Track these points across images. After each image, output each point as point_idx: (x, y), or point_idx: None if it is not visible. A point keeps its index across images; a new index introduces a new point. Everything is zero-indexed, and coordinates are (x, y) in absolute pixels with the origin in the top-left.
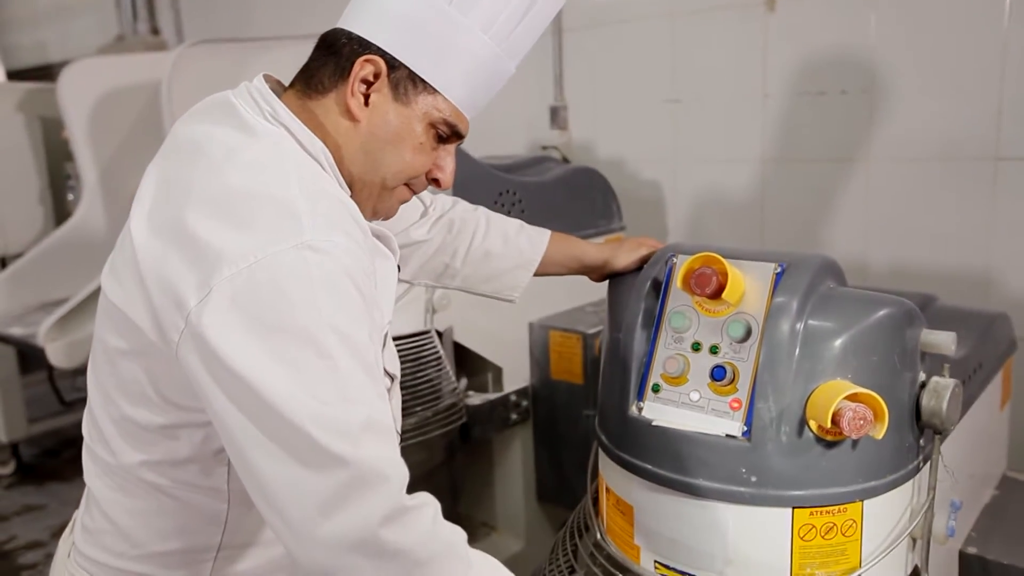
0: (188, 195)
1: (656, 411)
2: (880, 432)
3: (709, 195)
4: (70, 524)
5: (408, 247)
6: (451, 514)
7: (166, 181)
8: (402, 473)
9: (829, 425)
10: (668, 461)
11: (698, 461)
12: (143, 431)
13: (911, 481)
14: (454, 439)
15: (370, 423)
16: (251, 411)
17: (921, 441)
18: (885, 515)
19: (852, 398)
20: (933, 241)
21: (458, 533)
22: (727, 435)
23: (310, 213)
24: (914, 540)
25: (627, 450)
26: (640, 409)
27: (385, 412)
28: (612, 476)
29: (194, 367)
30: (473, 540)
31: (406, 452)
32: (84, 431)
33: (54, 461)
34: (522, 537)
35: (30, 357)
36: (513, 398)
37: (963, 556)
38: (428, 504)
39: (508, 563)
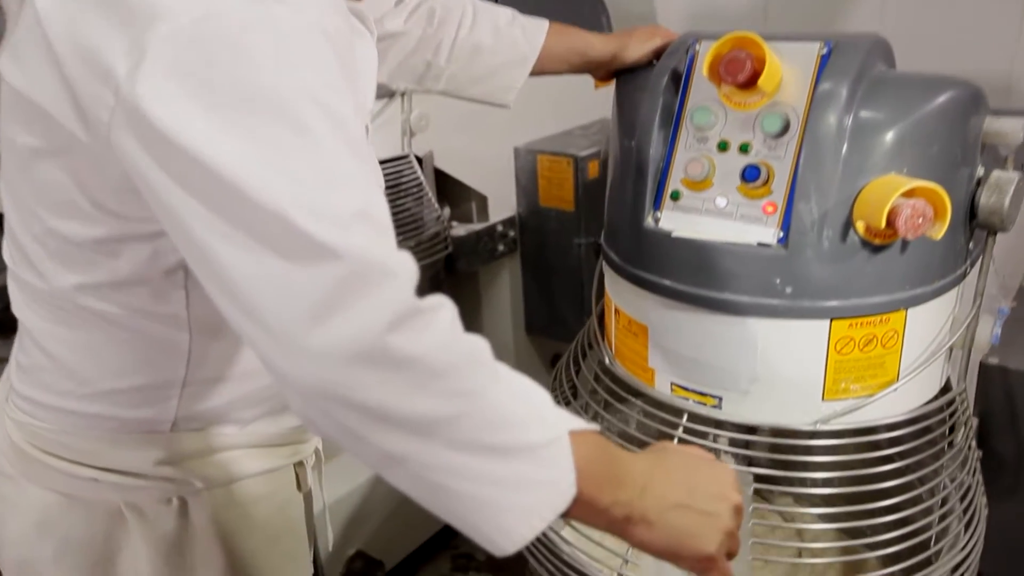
0: None
1: (676, 221)
2: (939, 232)
3: (706, 11)
4: (6, 369)
5: (383, 41)
6: None
7: None
8: (411, 270)
9: (883, 225)
10: (690, 276)
11: (725, 274)
12: (75, 248)
13: (957, 287)
14: (439, 271)
15: (364, 213)
16: (211, 198)
17: (971, 244)
18: (928, 324)
19: (909, 194)
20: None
21: (480, 340)
22: (759, 243)
23: None
24: (950, 351)
25: (642, 266)
26: (657, 220)
27: (382, 205)
28: (623, 296)
29: (133, 153)
30: None
31: None
32: (5, 255)
33: None
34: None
35: None
36: (500, 228)
37: (983, 367)
38: (444, 306)
39: None
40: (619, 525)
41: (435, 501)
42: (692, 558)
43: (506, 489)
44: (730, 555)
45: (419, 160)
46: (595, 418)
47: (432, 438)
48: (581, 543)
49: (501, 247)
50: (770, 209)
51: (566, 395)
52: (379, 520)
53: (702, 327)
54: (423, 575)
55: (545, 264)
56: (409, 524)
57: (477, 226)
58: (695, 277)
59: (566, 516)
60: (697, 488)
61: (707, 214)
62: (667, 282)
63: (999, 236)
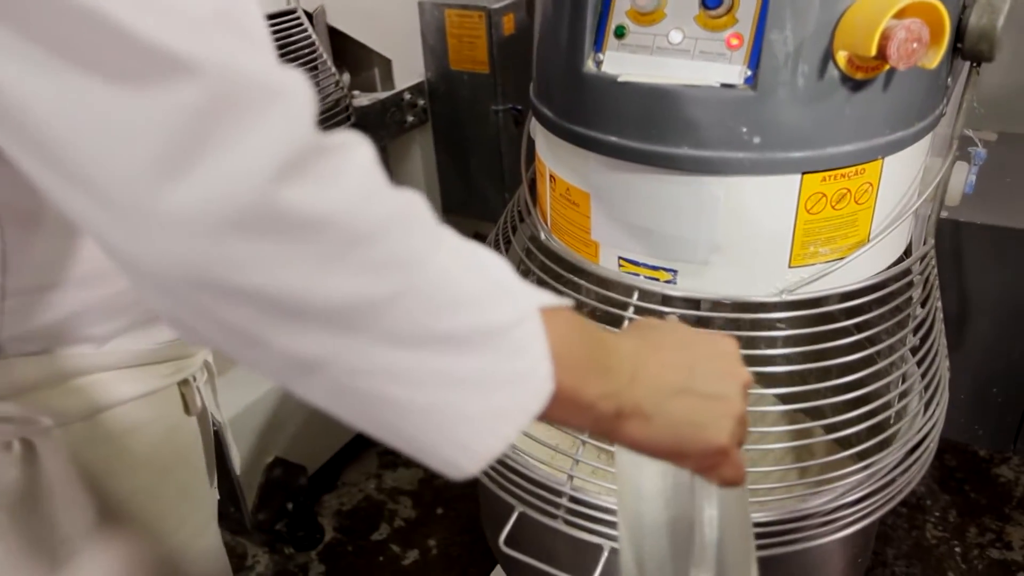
0: None
1: (622, 63)
2: (935, 58)
3: None
4: None
5: None
6: None
7: None
8: (305, 91)
9: (872, 53)
10: (640, 129)
11: (682, 125)
12: None
13: (932, 132)
14: None
15: (226, 14)
16: (6, 8)
17: (949, 79)
18: (902, 175)
19: (901, 14)
20: None
21: (413, 194)
22: (723, 84)
23: None
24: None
25: (582, 121)
26: (599, 63)
27: (254, 13)
28: (560, 159)
29: None
30: None
31: None
32: None
33: None
34: None
35: None
36: (407, 96)
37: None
38: (358, 143)
39: None
40: (608, 423)
41: (369, 417)
42: (700, 454)
43: (463, 390)
44: (740, 444)
45: (309, 16)
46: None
47: (357, 331)
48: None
49: (410, 118)
50: (735, 42)
51: None
52: (296, 425)
53: (655, 190)
54: (349, 475)
55: (459, 135)
56: (330, 425)
57: (382, 95)
58: (646, 131)
59: (543, 418)
60: (698, 367)
61: (659, 52)
62: (612, 138)
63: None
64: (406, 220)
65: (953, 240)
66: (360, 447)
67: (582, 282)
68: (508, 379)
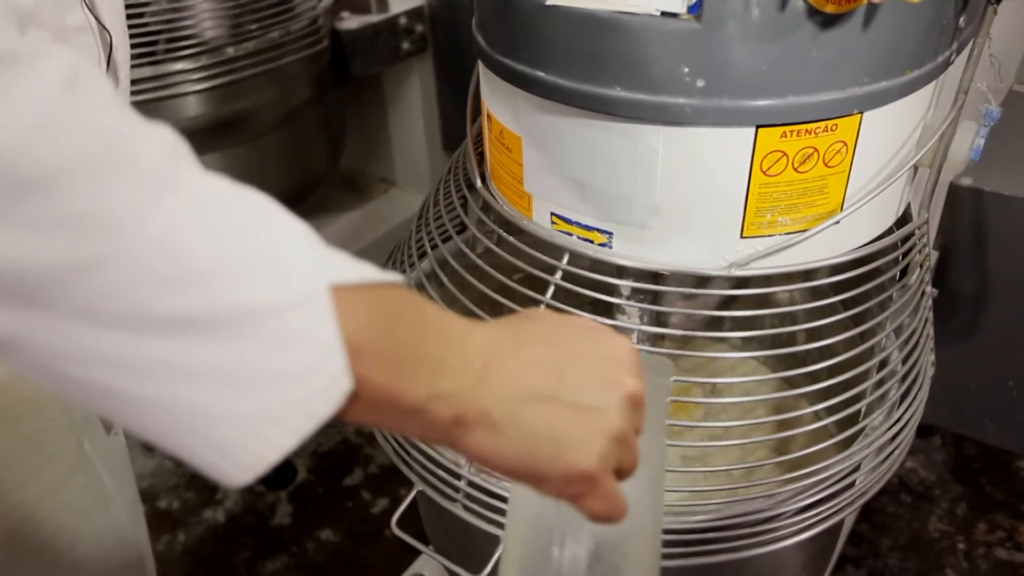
0: None
1: None
2: None
3: None
4: None
5: None
6: (331, 169)
7: None
8: None
9: None
10: (569, 65)
11: (615, 61)
12: None
13: (935, 82)
14: (324, 72)
15: None
16: None
17: (961, 20)
18: (887, 134)
19: None
20: None
21: (144, 129)
22: (663, 12)
23: None
24: (915, 170)
25: (510, 53)
26: None
27: None
28: (495, 96)
29: None
30: (369, 198)
31: (247, 86)
32: None
33: None
34: (427, 193)
35: None
36: (404, 21)
37: (952, 190)
38: (51, 55)
39: (411, 223)
40: (444, 431)
41: (97, 406)
42: (561, 478)
43: (210, 386)
44: (622, 473)
45: None
46: (485, 256)
47: (44, 307)
48: None
49: (407, 45)
50: None
51: (446, 230)
52: None
53: (586, 137)
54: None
55: (461, 66)
56: None
57: (374, 18)
58: (575, 67)
59: (347, 419)
60: (569, 369)
61: None
62: (539, 74)
63: (1001, 8)
64: (110, 164)
65: (975, 211)
66: None
67: (510, 238)
68: (276, 375)
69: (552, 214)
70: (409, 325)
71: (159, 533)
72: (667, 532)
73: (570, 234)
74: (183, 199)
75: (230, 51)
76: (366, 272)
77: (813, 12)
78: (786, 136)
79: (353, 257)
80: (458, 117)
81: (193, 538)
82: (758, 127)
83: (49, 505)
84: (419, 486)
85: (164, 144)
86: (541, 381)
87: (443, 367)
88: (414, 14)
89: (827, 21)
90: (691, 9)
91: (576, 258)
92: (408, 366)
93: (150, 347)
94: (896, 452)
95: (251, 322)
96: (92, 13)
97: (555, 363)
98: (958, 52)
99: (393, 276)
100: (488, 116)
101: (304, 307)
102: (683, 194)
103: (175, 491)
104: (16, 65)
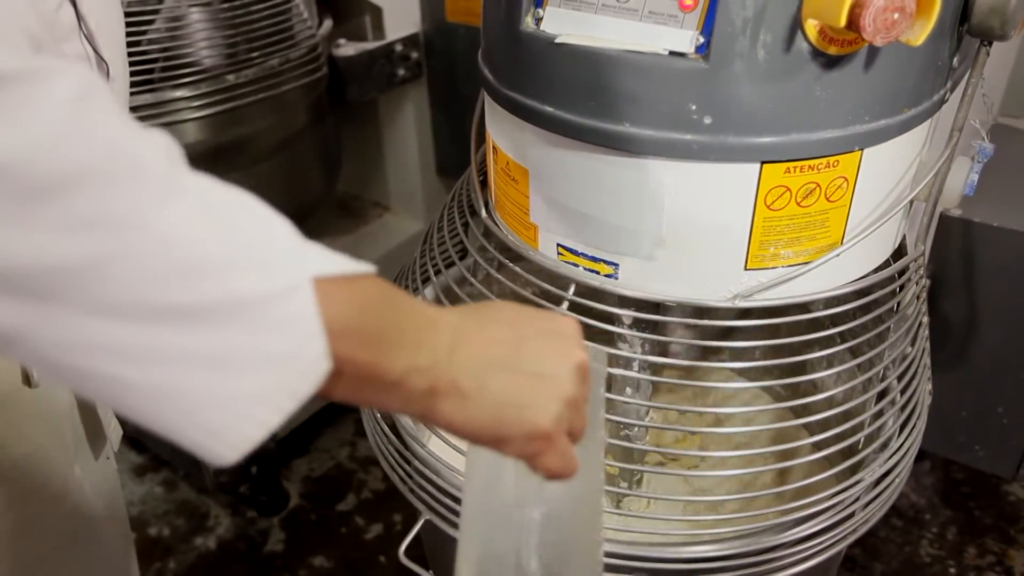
0: None
1: (562, 22)
2: (921, 34)
3: None
4: None
5: None
6: (327, 194)
7: None
8: None
9: (842, 22)
10: (578, 100)
11: (624, 98)
12: None
13: (930, 120)
14: (321, 98)
15: None
16: None
17: (955, 59)
18: (888, 169)
19: None
20: None
21: (148, 137)
22: (671, 52)
23: None
24: (911, 203)
25: (519, 87)
26: (538, 20)
27: None
28: (500, 128)
29: None
30: (364, 222)
31: (247, 113)
32: None
33: None
34: (421, 218)
35: None
36: (399, 48)
37: (943, 219)
38: (64, 72)
39: (408, 245)
40: (421, 402)
41: (96, 393)
42: (522, 437)
43: (207, 370)
44: (574, 436)
45: None
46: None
47: (57, 301)
48: None
49: (402, 71)
50: (689, 3)
51: (449, 256)
52: None
53: (594, 171)
54: (323, 440)
55: (455, 92)
56: None
57: (370, 45)
58: (584, 103)
59: (333, 397)
60: (526, 343)
61: (604, 11)
62: (548, 109)
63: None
64: (118, 169)
65: (965, 241)
66: (337, 413)
67: (512, 265)
68: (264, 358)
69: (559, 245)
70: (385, 309)
71: (150, 561)
72: (667, 563)
73: (576, 265)
74: (189, 199)
75: (230, 78)
76: (345, 264)
77: (817, 54)
78: (790, 172)
79: (331, 250)
80: (452, 143)
81: (184, 566)
82: (763, 163)
83: (38, 530)
84: (426, 515)
85: (163, 148)
86: (503, 354)
87: (417, 345)
88: (409, 41)
89: (830, 62)
90: (699, 49)
91: (579, 287)
92: (387, 344)
93: (153, 336)
94: (897, 481)
95: (244, 311)
96: (90, 44)
97: (514, 339)
98: (951, 90)
99: (368, 267)
100: (494, 148)
101: (290, 297)
102: (689, 227)
103: (165, 518)
104: (33, 81)
